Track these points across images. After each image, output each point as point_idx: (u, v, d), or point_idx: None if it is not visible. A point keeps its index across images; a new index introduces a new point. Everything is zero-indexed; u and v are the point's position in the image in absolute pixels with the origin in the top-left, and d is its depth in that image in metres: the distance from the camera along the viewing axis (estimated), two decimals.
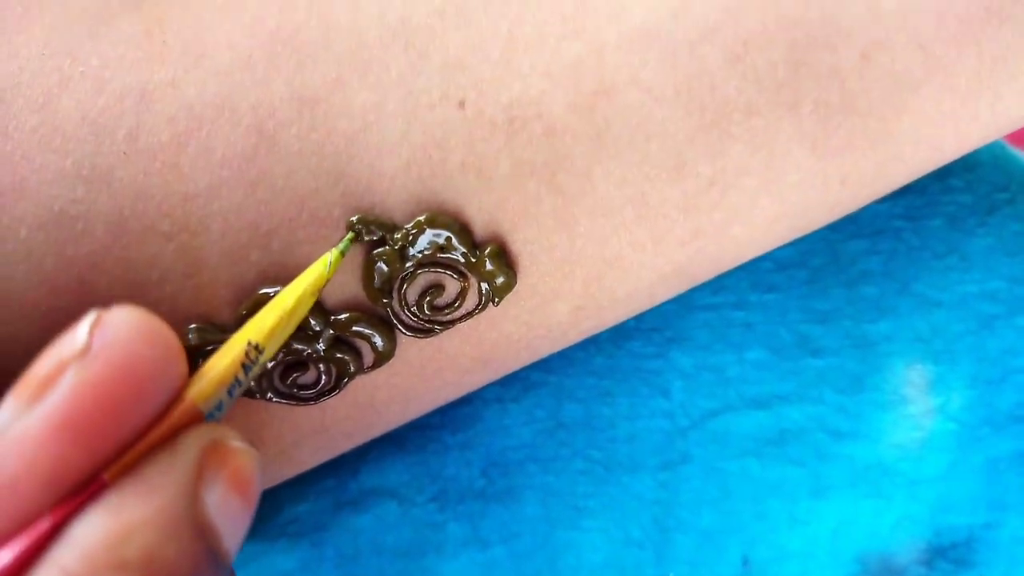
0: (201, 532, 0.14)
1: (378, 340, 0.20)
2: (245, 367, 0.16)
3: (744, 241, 0.21)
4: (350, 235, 0.19)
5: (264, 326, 0.17)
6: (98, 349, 0.14)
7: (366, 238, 0.19)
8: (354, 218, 0.18)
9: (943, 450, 0.25)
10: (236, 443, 0.15)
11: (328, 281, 0.18)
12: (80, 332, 0.14)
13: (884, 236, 0.26)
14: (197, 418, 0.15)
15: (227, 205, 0.18)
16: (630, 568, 0.25)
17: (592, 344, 0.25)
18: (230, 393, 0.16)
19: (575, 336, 0.22)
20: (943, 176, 0.26)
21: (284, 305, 0.17)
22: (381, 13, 0.19)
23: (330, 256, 0.18)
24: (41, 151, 0.18)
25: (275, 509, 0.26)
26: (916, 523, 0.25)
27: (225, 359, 0.16)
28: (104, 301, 0.18)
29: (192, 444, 0.15)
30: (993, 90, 0.19)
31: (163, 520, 0.14)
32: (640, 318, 0.26)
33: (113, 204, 0.18)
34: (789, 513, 0.25)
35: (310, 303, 0.18)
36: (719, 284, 0.26)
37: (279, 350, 0.18)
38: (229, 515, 0.15)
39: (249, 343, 0.17)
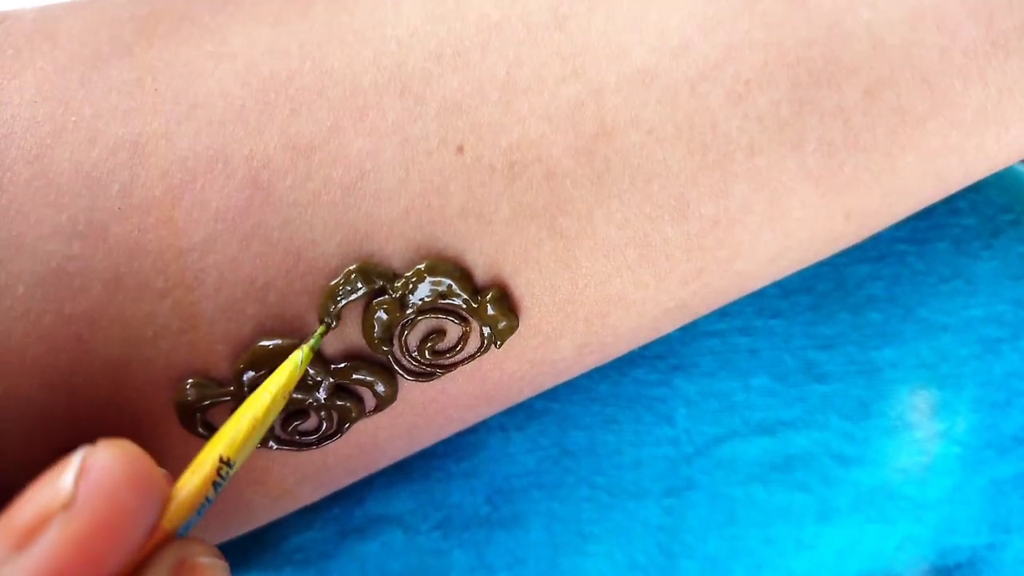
0: None
1: (380, 386, 0.19)
2: (216, 484, 0.16)
3: (748, 276, 0.20)
4: (321, 329, 0.18)
5: (236, 439, 0.17)
6: (83, 501, 0.14)
7: (365, 288, 0.18)
8: (352, 265, 0.18)
9: (947, 473, 0.25)
10: (204, 559, 0.15)
11: (298, 380, 0.18)
12: (65, 480, 0.14)
13: (889, 261, 0.26)
14: (169, 537, 0.16)
15: (222, 259, 0.18)
16: None
17: (596, 372, 0.25)
18: (199, 512, 0.16)
19: (579, 370, 0.22)
20: (948, 198, 0.26)
21: (255, 414, 0.17)
22: (376, 58, 0.18)
23: (300, 354, 0.18)
24: (36, 205, 0.17)
25: (281, 538, 0.26)
26: (920, 544, 0.25)
27: (196, 478, 0.16)
28: (101, 359, 0.18)
29: (162, 566, 0.15)
30: (1000, 123, 0.19)
31: None
32: (644, 346, 0.26)
33: (109, 261, 0.18)
34: (795, 538, 0.25)
35: (281, 405, 0.18)
36: (724, 310, 0.26)
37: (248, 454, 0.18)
38: None
39: (220, 459, 0.17)
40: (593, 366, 0.22)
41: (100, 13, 0.19)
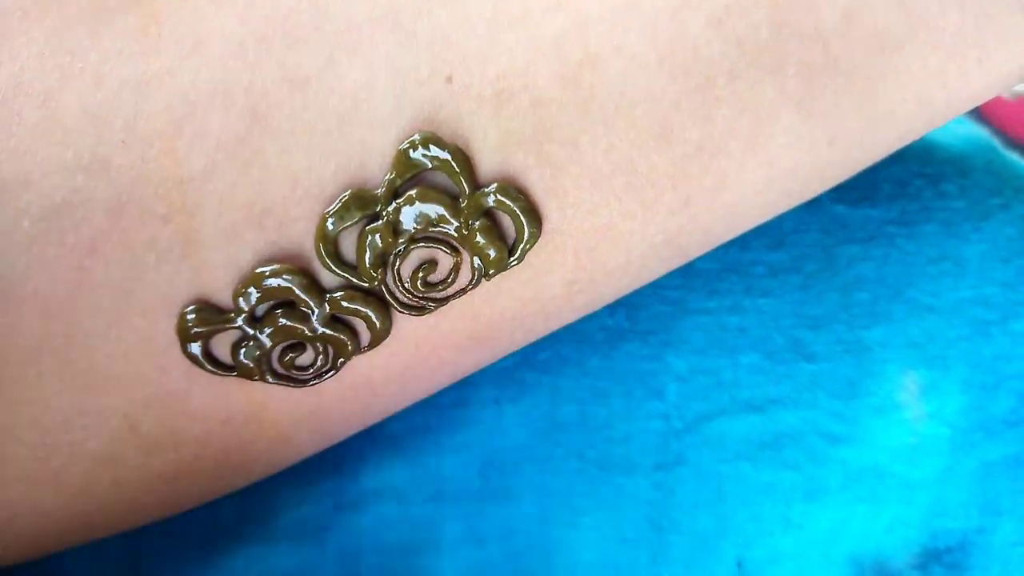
0: None
1: (374, 318, 0.20)
2: None
3: (735, 208, 0.21)
4: None
5: None
6: None
7: (359, 214, 0.19)
8: (347, 192, 0.19)
9: (936, 454, 0.25)
10: None
11: None
12: None
13: (878, 242, 0.26)
14: None
15: (222, 186, 0.19)
16: (624, 567, 0.25)
17: (587, 345, 0.26)
18: None
19: (569, 313, 0.22)
20: (937, 181, 0.27)
21: None
22: None
23: None
24: (44, 145, 0.18)
25: (275, 513, 0.26)
26: (910, 526, 0.26)
27: None
28: (102, 286, 0.19)
29: None
30: (980, 46, 0.19)
31: None
32: (635, 320, 0.26)
33: (111, 191, 0.18)
34: (783, 516, 0.26)
35: None
36: (713, 288, 0.26)
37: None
38: None
39: None
40: (583, 310, 0.22)
41: None
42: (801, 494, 0.26)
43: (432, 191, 0.19)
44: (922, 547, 0.26)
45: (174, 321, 0.19)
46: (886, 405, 0.26)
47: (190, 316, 0.19)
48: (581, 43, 0.19)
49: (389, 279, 0.20)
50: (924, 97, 0.20)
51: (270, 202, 0.19)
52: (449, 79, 0.19)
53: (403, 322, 0.20)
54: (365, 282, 0.20)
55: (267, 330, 0.20)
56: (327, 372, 0.21)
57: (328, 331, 0.20)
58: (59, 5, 0.19)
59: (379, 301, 0.20)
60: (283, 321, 0.20)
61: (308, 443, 0.23)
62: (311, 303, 0.20)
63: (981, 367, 0.25)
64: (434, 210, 0.19)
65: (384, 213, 0.19)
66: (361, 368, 0.21)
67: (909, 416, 0.25)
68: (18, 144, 0.18)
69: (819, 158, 0.20)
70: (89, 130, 0.18)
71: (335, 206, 0.19)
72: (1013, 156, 0.28)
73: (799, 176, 0.21)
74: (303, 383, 0.21)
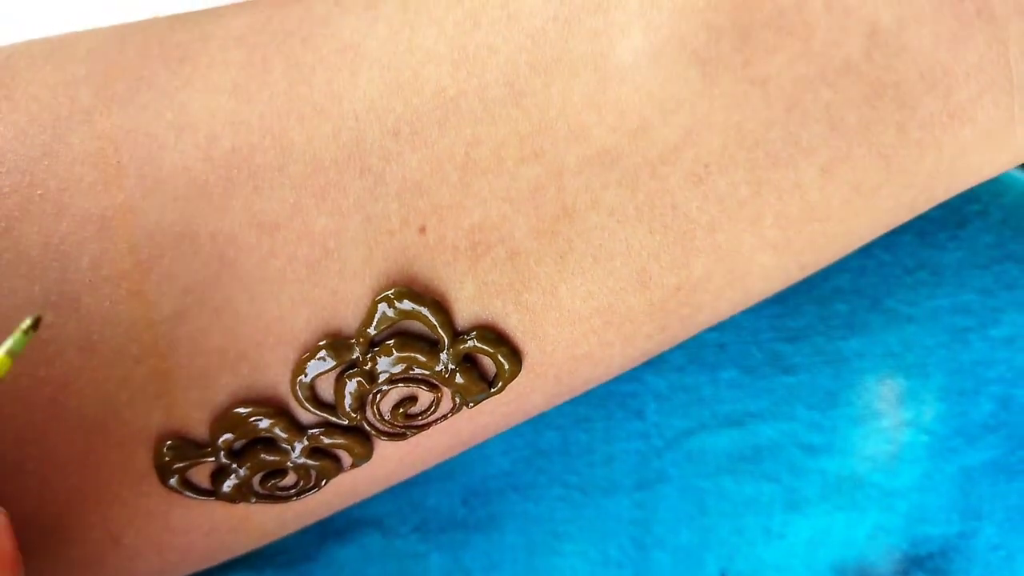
0: None
1: (355, 448, 0.20)
2: None
3: (708, 323, 0.21)
4: (26, 323, 0.15)
5: None
6: None
7: (335, 362, 0.19)
8: (322, 342, 0.19)
9: (916, 461, 0.26)
10: None
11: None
12: None
13: (854, 252, 0.26)
14: None
15: (193, 331, 0.18)
16: None
17: None
18: None
19: (549, 408, 0.22)
20: None
21: None
22: (335, 133, 0.18)
23: None
24: (9, 277, 0.18)
25: None
26: (891, 533, 0.26)
27: None
28: (76, 418, 0.19)
29: None
30: (951, 178, 0.19)
31: None
32: None
33: (82, 329, 0.18)
34: (764, 527, 0.26)
35: None
36: None
37: None
38: None
39: None
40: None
41: (56, 71, 0.19)
42: (782, 505, 0.26)
43: (409, 341, 0.19)
44: (903, 553, 0.26)
45: (150, 453, 0.19)
46: (864, 415, 0.26)
47: (167, 453, 0.19)
48: (558, 197, 0.18)
49: (369, 415, 0.20)
50: (893, 221, 0.20)
51: (243, 348, 0.19)
52: (422, 229, 0.18)
53: (386, 443, 0.20)
54: (344, 421, 0.20)
55: (247, 464, 0.20)
56: (310, 490, 0.21)
57: (310, 461, 0.20)
58: (11, 108, 0.18)
59: (359, 432, 0.20)
60: (264, 456, 0.20)
61: (290, 532, 0.23)
62: (291, 440, 0.19)
63: (960, 373, 0.25)
64: (412, 359, 0.19)
65: (361, 361, 0.19)
66: (345, 480, 0.21)
67: (887, 424, 0.26)
68: None
69: (791, 279, 0.21)
70: (54, 265, 0.18)
71: (310, 355, 0.19)
72: None
73: (770, 292, 0.21)
74: (286, 500, 0.21)
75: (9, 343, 0.15)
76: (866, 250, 0.26)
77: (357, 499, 0.22)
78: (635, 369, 0.26)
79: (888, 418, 0.26)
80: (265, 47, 0.19)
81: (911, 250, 0.26)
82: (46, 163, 0.18)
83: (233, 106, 0.19)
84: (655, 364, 0.26)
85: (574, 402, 0.26)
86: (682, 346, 0.26)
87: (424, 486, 0.26)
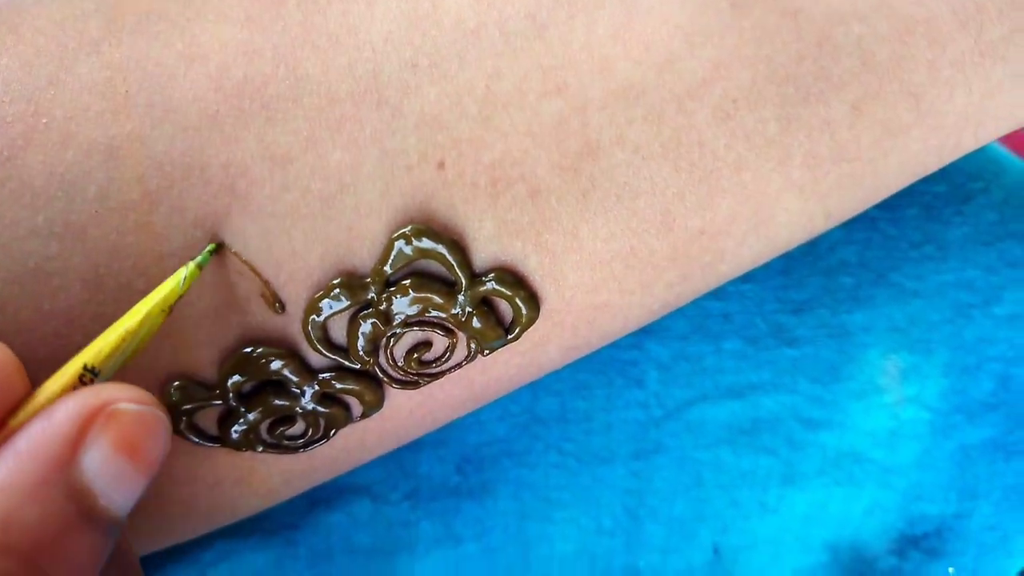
0: (73, 494, 0.14)
1: (366, 395, 0.19)
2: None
3: (729, 275, 0.21)
4: (210, 247, 0.17)
5: (103, 349, 0.16)
6: None
7: (349, 302, 0.18)
8: (336, 279, 0.18)
9: (915, 438, 0.25)
10: (126, 405, 0.15)
11: (181, 297, 0.17)
12: None
13: (860, 226, 0.25)
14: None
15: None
16: (600, 556, 0.25)
17: None
18: None
19: (563, 364, 0.22)
20: None
21: (128, 326, 0.16)
22: (351, 65, 0.18)
23: (185, 271, 0.17)
24: (11, 206, 0.17)
25: None
26: (888, 511, 0.26)
27: (56, 383, 0.15)
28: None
29: (69, 409, 0.14)
30: (979, 122, 0.19)
31: (24, 483, 0.14)
32: None
33: (88, 262, 0.17)
34: (760, 501, 0.25)
35: (160, 320, 0.17)
36: None
37: (123, 364, 0.17)
38: (112, 477, 0.15)
39: (85, 367, 0.16)
40: (575, 359, 0.22)
41: (64, 5, 0.18)
42: (779, 479, 0.25)
43: (427, 281, 0.18)
44: (899, 532, 0.26)
45: (157, 394, 0.18)
46: (866, 389, 0.25)
47: (174, 393, 0.18)
48: (581, 132, 0.18)
49: (382, 360, 0.19)
50: (920, 169, 0.20)
51: (253, 285, 0.18)
52: (441, 165, 0.18)
53: (397, 392, 0.20)
54: (356, 364, 0.19)
55: (256, 409, 0.19)
56: (319, 441, 0.20)
57: (319, 408, 0.19)
58: (15, 40, 0.17)
59: (371, 378, 0.19)
60: (273, 401, 0.19)
61: (295, 492, 0.22)
62: (301, 384, 0.19)
63: (963, 350, 0.25)
64: (429, 300, 0.18)
65: (376, 302, 0.18)
66: (354, 433, 0.20)
67: (889, 400, 0.25)
68: None
69: (815, 228, 0.20)
70: (59, 195, 0.17)
71: (324, 293, 0.18)
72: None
73: (792, 243, 0.20)
74: (294, 451, 0.20)
75: (198, 258, 0.17)
76: (872, 223, 0.26)
77: (364, 457, 0.22)
78: (637, 337, 0.25)
79: (890, 393, 0.25)
80: None
81: (917, 224, 0.25)
82: (52, 92, 0.17)
83: (246, 36, 0.18)
84: (658, 333, 0.25)
85: (574, 368, 0.25)
86: (686, 315, 0.26)
87: (417, 453, 0.25)
